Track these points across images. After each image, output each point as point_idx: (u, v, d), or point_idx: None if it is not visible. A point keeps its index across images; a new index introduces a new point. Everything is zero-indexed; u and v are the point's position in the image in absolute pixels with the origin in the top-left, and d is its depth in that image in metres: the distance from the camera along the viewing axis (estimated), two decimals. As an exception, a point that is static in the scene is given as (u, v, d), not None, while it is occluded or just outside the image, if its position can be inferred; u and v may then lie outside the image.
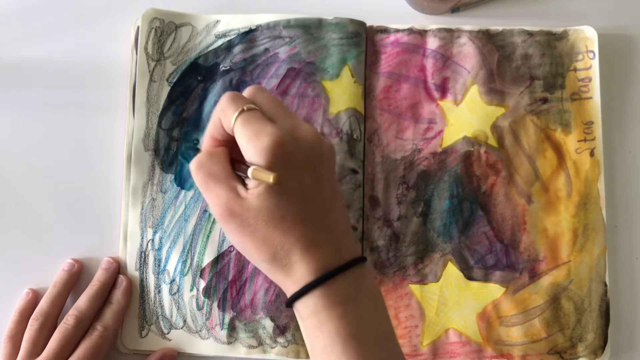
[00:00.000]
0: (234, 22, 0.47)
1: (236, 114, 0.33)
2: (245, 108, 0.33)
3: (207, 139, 0.36)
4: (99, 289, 0.43)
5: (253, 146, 0.31)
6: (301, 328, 0.34)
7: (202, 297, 0.44)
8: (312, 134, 0.34)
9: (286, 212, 0.32)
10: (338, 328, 0.31)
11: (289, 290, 0.33)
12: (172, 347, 0.44)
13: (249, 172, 0.31)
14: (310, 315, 0.32)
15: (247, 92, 0.35)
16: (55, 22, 0.49)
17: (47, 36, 0.49)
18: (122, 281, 0.44)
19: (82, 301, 0.43)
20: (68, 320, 0.42)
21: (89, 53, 0.48)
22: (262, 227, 0.32)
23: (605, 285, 0.45)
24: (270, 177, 0.30)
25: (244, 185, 0.33)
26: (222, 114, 0.34)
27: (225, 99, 0.34)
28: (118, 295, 0.44)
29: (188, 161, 0.45)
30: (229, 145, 0.35)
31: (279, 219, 0.32)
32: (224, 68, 0.46)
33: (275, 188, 0.32)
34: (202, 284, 0.44)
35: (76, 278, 0.45)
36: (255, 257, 0.33)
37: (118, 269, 0.45)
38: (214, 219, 0.45)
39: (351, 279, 0.33)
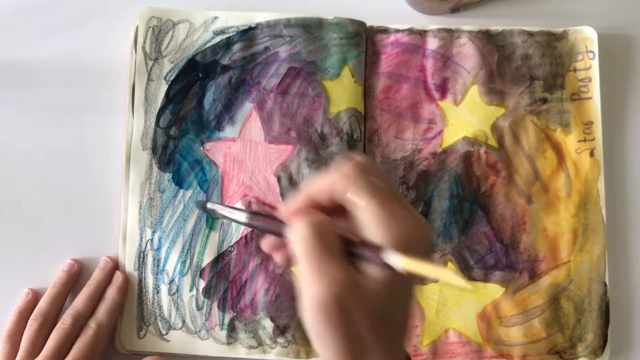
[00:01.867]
0: (232, 19, 0.48)
1: (370, 193, 0.27)
2: (378, 185, 0.28)
3: (303, 200, 0.30)
4: (96, 288, 0.44)
5: (388, 231, 0.27)
6: None
7: (202, 297, 0.45)
8: (429, 227, 0.30)
9: (398, 319, 0.28)
10: None
11: None
12: (171, 348, 0.45)
13: (391, 257, 0.26)
14: None
15: (364, 168, 0.30)
16: (55, 22, 0.50)
17: (47, 36, 0.50)
18: (118, 277, 0.45)
19: (80, 300, 0.44)
20: (65, 320, 0.43)
21: (89, 53, 0.49)
22: (364, 329, 0.26)
23: (605, 285, 0.46)
24: (463, 283, 0.25)
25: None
26: (347, 183, 0.28)
27: (354, 169, 0.28)
28: (112, 291, 0.45)
29: (186, 160, 0.47)
30: (328, 214, 0.30)
31: (385, 325, 0.27)
32: (223, 65, 0.48)
33: (401, 288, 0.28)
34: (202, 284, 0.45)
35: (76, 278, 0.46)
36: (330, 352, 0.27)
37: (115, 268, 0.46)
38: (213, 218, 0.46)
39: None
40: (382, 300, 0.27)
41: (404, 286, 0.28)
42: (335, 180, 0.29)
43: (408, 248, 0.27)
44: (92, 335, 0.43)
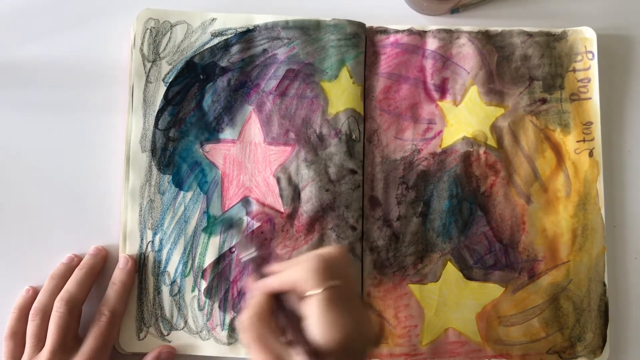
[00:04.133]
0: (230, 21, 0.50)
1: (323, 288, 0.34)
2: (332, 284, 0.34)
3: (267, 287, 0.37)
4: (87, 272, 0.45)
5: (323, 331, 0.34)
6: None
7: (204, 298, 0.47)
8: (373, 334, 0.36)
9: None
10: None
11: None
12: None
13: None
14: None
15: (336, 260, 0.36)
16: (56, 22, 0.51)
17: (47, 36, 0.51)
18: (127, 261, 0.46)
19: (71, 284, 0.45)
20: (59, 308, 0.43)
21: (89, 53, 0.51)
22: None
23: (604, 285, 0.48)
24: None
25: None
26: (308, 278, 0.34)
27: (317, 265, 0.35)
28: (123, 275, 0.46)
29: (185, 161, 0.48)
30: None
31: None
32: (221, 67, 0.49)
33: None
34: (204, 284, 0.47)
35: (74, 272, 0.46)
36: None
37: (107, 256, 0.48)
38: (213, 219, 0.48)
39: None
40: None
41: None
42: (297, 275, 0.35)
43: (340, 350, 0.33)
44: (107, 323, 0.44)
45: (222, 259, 0.48)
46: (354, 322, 0.35)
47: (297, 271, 0.35)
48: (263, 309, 0.36)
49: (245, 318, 0.35)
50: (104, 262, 0.47)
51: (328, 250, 0.37)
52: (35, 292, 0.46)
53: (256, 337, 0.35)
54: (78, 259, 0.47)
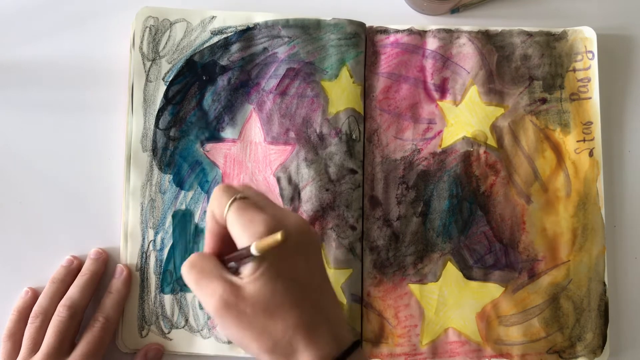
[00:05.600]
0: (230, 19, 0.50)
1: (229, 201, 0.36)
2: (237, 197, 0.36)
3: (207, 238, 0.38)
4: (89, 278, 0.46)
5: (248, 233, 0.34)
6: None
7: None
8: (301, 221, 0.37)
9: (283, 298, 0.34)
10: None
11: None
12: (173, 346, 0.47)
13: (252, 247, 0.33)
14: None
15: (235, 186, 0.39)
16: (55, 22, 0.52)
17: (46, 36, 0.52)
18: (122, 271, 0.47)
19: (73, 291, 0.46)
20: (61, 312, 0.44)
21: (88, 53, 0.51)
22: (260, 317, 0.34)
23: (604, 285, 0.48)
24: (278, 235, 0.32)
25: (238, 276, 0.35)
26: (216, 204, 0.36)
27: (217, 190, 0.37)
28: (118, 284, 0.47)
29: (186, 161, 0.49)
30: (225, 240, 0.38)
31: (277, 305, 0.34)
32: (221, 65, 0.50)
33: (271, 273, 0.34)
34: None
35: (75, 275, 0.47)
36: (254, 349, 0.34)
37: (107, 259, 0.48)
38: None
39: None
40: (261, 289, 0.34)
41: (277, 275, 0.34)
42: (210, 208, 0.37)
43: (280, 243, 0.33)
44: (100, 328, 0.45)
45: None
46: (275, 214, 0.35)
47: (208, 207, 0.37)
48: (203, 253, 0.37)
49: (187, 260, 0.36)
50: (104, 266, 0.48)
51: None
52: (34, 294, 0.47)
53: (200, 271, 0.35)
54: (78, 261, 0.48)
